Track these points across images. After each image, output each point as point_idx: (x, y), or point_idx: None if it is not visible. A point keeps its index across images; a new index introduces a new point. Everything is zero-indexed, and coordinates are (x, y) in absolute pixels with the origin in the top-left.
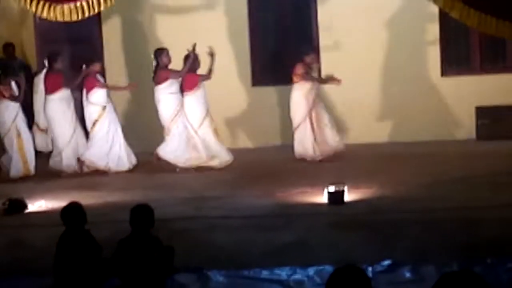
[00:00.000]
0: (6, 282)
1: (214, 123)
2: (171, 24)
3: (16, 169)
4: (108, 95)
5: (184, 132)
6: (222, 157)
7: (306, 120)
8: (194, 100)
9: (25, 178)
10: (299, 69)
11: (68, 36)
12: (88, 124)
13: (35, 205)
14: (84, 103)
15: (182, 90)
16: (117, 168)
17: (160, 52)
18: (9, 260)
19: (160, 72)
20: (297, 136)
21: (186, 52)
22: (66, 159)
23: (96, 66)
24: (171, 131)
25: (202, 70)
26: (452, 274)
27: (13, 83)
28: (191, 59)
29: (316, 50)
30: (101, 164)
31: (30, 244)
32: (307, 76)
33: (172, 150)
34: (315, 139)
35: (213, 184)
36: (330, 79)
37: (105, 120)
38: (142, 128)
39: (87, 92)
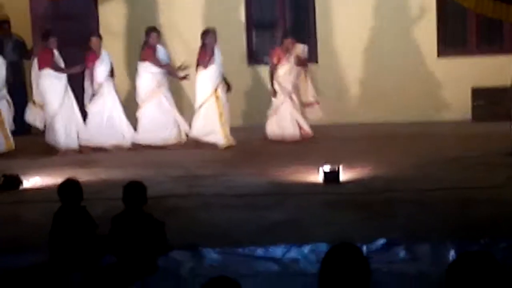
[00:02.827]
0: (1, 258)
1: (220, 103)
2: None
3: None
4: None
5: (160, 112)
6: (218, 138)
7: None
8: (204, 75)
9: (9, 153)
10: (274, 55)
11: (63, 13)
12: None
13: (30, 182)
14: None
15: (197, 65)
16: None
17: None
18: (4, 236)
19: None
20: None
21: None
22: (58, 134)
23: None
24: (143, 111)
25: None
26: (471, 254)
27: None
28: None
29: (313, 30)
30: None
31: (25, 220)
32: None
33: (148, 134)
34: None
35: (208, 162)
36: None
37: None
38: (134, 105)
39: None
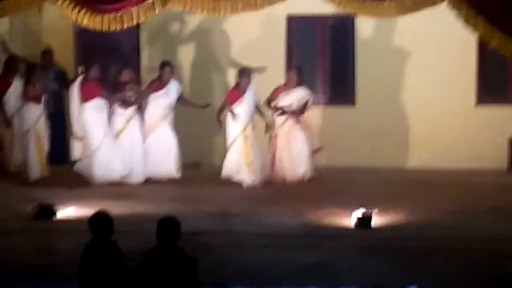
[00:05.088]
0: (33, 286)
1: (248, 143)
2: (207, 36)
3: (35, 171)
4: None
5: (163, 144)
6: (244, 177)
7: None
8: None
9: (45, 182)
10: (271, 94)
11: (106, 45)
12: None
13: (65, 212)
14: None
15: (225, 102)
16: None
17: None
18: (36, 264)
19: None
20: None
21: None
22: (95, 166)
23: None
24: (149, 142)
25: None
26: None
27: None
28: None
29: (351, 74)
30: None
31: (58, 250)
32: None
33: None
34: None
35: (242, 200)
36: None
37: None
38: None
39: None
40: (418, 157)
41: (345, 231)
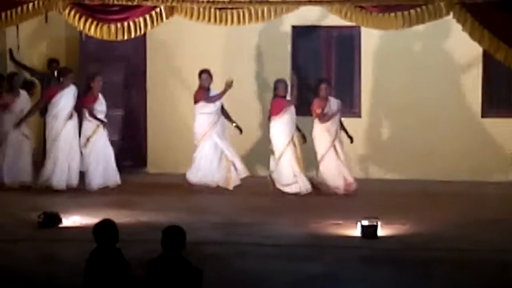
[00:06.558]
0: None
1: (297, 150)
2: (212, 46)
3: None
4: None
5: (215, 153)
6: (300, 185)
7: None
8: (279, 125)
9: (49, 190)
10: (316, 107)
11: (112, 55)
12: (82, 140)
13: (69, 220)
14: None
15: (269, 114)
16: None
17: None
18: (40, 273)
19: (197, 92)
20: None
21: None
22: (59, 173)
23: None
24: (199, 151)
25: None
26: None
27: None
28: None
29: (357, 86)
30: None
31: (62, 258)
32: (323, 118)
33: (202, 173)
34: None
35: (247, 210)
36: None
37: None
38: (178, 148)
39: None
40: (424, 168)
41: (349, 241)
